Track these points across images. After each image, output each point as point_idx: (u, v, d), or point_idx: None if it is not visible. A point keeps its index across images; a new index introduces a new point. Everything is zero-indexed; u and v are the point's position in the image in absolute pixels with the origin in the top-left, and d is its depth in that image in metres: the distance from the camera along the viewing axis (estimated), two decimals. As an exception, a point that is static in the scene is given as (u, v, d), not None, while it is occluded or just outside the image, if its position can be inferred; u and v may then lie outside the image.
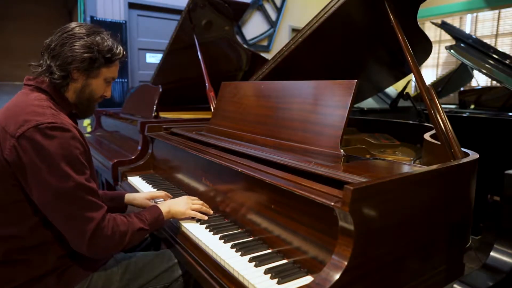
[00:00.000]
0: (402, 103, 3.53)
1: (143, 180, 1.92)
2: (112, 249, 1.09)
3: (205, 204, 1.39)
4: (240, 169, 1.24)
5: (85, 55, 1.11)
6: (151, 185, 1.82)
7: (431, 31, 6.79)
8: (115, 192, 1.55)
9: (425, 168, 1.07)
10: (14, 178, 1.01)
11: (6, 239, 1.04)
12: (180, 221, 1.34)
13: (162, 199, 1.53)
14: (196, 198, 1.42)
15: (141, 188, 1.78)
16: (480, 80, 5.80)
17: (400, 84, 2.84)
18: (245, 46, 3.11)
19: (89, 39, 1.12)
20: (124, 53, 1.24)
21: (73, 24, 1.15)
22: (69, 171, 0.99)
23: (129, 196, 1.50)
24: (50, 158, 0.97)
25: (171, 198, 1.52)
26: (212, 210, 1.45)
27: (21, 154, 0.97)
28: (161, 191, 1.57)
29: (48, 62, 1.12)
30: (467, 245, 1.20)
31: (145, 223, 1.17)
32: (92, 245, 1.02)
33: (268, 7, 5.89)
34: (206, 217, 1.34)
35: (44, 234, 1.06)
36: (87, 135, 3.55)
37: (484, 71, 2.96)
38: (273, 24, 5.95)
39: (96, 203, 1.05)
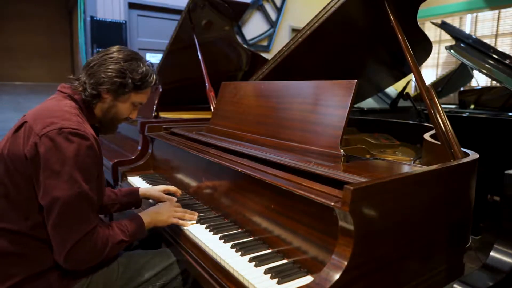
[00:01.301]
0: (402, 103, 3.53)
1: (143, 180, 1.92)
2: (88, 263, 1.09)
3: (188, 211, 1.37)
4: (240, 169, 1.24)
5: (116, 79, 1.17)
6: (151, 185, 1.82)
7: (431, 31, 6.79)
8: (129, 188, 1.60)
9: (425, 168, 1.07)
10: (29, 175, 1.04)
11: (11, 234, 1.06)
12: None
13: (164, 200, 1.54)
14: (179, 204, 1.40)
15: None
16: (480, 80, 5.80)
17: (400, 84, 2.84)
18: (245, 46, 3.11)
19: (124, 65, 1.19)
20: (156, 82, 1.29)
21: (114, 48, 1.23)
22: (78, 177, 1.02)
23: (143, 190, 1.57)
24: (64, 160, 1.01)
25: (181, 194, 1.60)
26: (212, 210, 1.45)
27: (40, 150, 1.02)
28: (172, 186, 1.61)
29: (84, 78, 1.19)
30: (467, 245, 1.20)
31: (125, 234, 1.17)
32: (70, 257, 1.03)
33: (268, 7, 5.89)
34: (188, 224, 1.31)
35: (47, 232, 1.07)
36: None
37: (484, 71, 2.96)
38: (273, 24, 5.95)
39: (90, 216, 1.06)
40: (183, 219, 1.33)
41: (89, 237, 1.05)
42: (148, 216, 1.29)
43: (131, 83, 1.20)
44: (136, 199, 1.54)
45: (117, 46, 1.25)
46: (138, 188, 1.57)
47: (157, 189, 1.56)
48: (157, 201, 1.53)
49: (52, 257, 1.08)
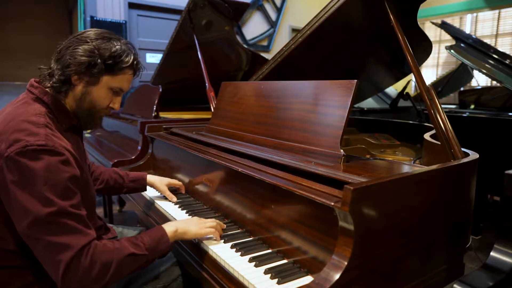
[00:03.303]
0: (402, 103, 3.53)
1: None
2: (91, 283, 0.92)
3: (218, 221, 1.23)
4: (240, 169, 1.24)
5: (83, 58, 1.03)
6: (153, 189, 1.82)
7: (431, 31, 6.79)
8: (136, 173, 1.61)
9: (425, 168, 1.07)
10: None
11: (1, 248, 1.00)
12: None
13: (169, 197, 1.59)
14: (208, 220, 1.23)
15: (141, 188, 1.78)
16: (480, 80, 5.80)
17: (400, 84, 2.84)
18: (245, 46, 3.11)
19: (94, 43, 1.04)
20: (136, 63, 1.12)
21: (89, 30, 1.10)
22: (50, 196, 0.90)
23: (150, 179, 1.58)
24: (32, 181, 0.90)
25: (182, 194, 1.62)
26: (212, 210, 1.45)
27: (6, 174, 0.91)
28: (177, 181, 1.66)
29: (52, 64, 1.07)
30: (467, 245, 1.20)
31: (140, 247, 1.01)
32: (67, 278, 0.89)
33: (268, 7, 5.89)
34: (219, 239, 1.19)
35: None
36: (87, 135, 3.55)
37: (484, 71, 2.97)
38: (273, 24, 5.95)
39: (79, 231, 0.93)
40: (215, 230, 1.18)
41: (84, 253, 0.91)
42: (173, 226, 1.12)
43: (101, 62, 1.04)
44: (142, 185, 1.58)
45: (90, 29, 1.10)
46: (146, 175, 1.60)
47: (163, 182, 1.60)
48: (161, 193, 1.59)
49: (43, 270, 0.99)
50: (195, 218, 1.23)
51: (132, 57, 1.11)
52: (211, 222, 1.20)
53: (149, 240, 1.04)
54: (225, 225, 1.26)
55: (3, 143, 0.93)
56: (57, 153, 0.94)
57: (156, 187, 1.60)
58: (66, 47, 1.05)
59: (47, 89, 1.07)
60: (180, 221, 1.18)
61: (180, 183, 1.65)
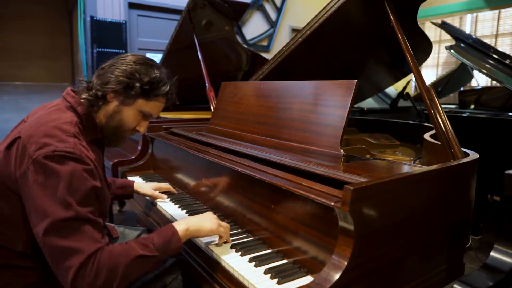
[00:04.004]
0: (402, 103, 3.53)
1: (143, 180, 1.91)
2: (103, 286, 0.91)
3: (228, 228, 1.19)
4: (240, 169, 1.24)
5: (122, 79, 1.08)
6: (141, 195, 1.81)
7: (431, 31, 6.79)
8: (123, 180, 1.64)
9: (425, 168, 1.07)
10: (22, 196, 0.97)
11: (5, 247, 1.01)
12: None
13: (163, 198, 1.60)
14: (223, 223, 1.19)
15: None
16: (480, 80, 5.80)
17: (400, 84, 2.84)
18: (245, 46, 3.11)
19: (135, 67, 1.10)
20: (170, 93, 1.19)
21: (134, 54, 1.16)
22: (71, 200, 0.91)
23: (137, 185, 1.60)
24: (56, 184, 0.92)
25: (182, 194, 1.64)
26: (212, 210, 1.45)
27: (30, 175, 0.93)
28: (165, 183, 1.67)
29: (93, 80, 1.13)
30: (467, 245, 1.20)
31: (149, 249, 0.99)
32: (76, 284, 0.89)
33: (268, 7, 5.89)
34: (230, 240, 1.17)
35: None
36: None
37: (484, 71, 2.97)
38: (273, 24, 5.95)
39: (93, 237, 0.92)
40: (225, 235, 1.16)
41: (92, 259, 0.90)
42: (185, 224, 1.08)
43: (139, 86, 1.09)
44: (129, 193, 1.59)
45: (136, 54, 1.17)
46: (133, 182, 1.62)
47: (150, 186, 1.61)
48: (152, 198, 1.61)
49: (47, 267, 0.99)
50: (209, 213, 1.16)
51: (168, 87, 1.17)
52: (226, 224, 1.17)
53: (159, 241, 1.01)
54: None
55: (33, 145, 0.95)
56: (83, 162, 0.97)
57: (144, 193, 1.59)
58: (109, 66, 1.12)
59: (82, 100, 1.11)
60: (191, 219, 1.13)
61: (167, 185, 1.64)
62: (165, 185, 1.64)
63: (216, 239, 1.16)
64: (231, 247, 1.13)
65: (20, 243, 1.00)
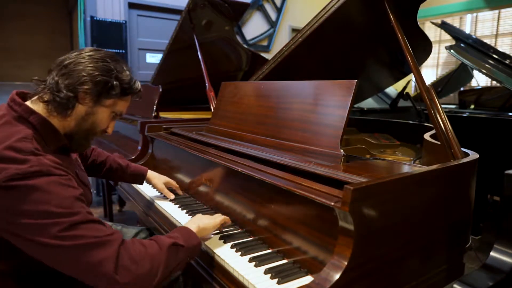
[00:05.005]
0: (402, 103, 3.53)
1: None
2: (147, 278, 0.87)
3: (226, 217, 1.25)
4: (240, 169, 1.24)
5: (100, 78, 0.98)
6: (150, 185, 1.82)
7: (431, 31, 6.79)
8: (136, 167, 1.64)
9: (425, 168, 1.07)
10: None
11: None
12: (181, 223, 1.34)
13: (165, 196, 1.62)
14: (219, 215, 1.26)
15: (141, 188, 1.78)
16: (480, 80, 5.80)
17: (400, 84, 2.84)
18: (245, 46, 3.11)
19: (111, 63, 1.01)
20: (140, 91, 1.11)
21: (89, 48, 1.04)
22: (66, 210, 0.84)
23: (150, 175, 1.63)
24: (41, 198, 0.82)
25: (181, 194, 1.66)
26: (212, 210, 1.45)
27: (2, 203, 0.82)
28: (174, 182, 1.67)
29: (56, 78, 0.96)
30: (467, 245, 1.20)
31: (178, 239, 0.98)
32: (121, 272, 0.84)
33: (268, 7, 5.89)
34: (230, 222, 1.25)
35: (38, 264, 0.89)
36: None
37: (484, 71, 2.97)
38: (273, 24, 5.95)
39: (108, 229, 0.89)
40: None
41: (127, 247, 0.87)
42: (194, 223, 1.12)
43: (119, 85, 1.01)
44: (140, 180, 1.64)
45: (90, 47, 1.05)
46: (146, 170, 1.64)
47: (161, 180, 1.63)
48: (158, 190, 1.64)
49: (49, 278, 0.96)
50: (200, 215, 1.21)
51: (138, 84, 1.10)
52: (219, 214, 1.25)
53: (180, 235, 1.01)
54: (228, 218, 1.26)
55: None
56: (54, 174, 0.87)
57: (154, 184, 1.63)
58: (75, 63, 0.98)
59: (43, 103, 0.97)
60: (194, 220, 1.16)
61: (177, 185, 1.66)
62: (175, 183, 1.65)
63: (212, 235, 1.21)
64: (231, 247, 1.13)
65: (11, 264, 0.93)
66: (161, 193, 1.64)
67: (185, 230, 1.07)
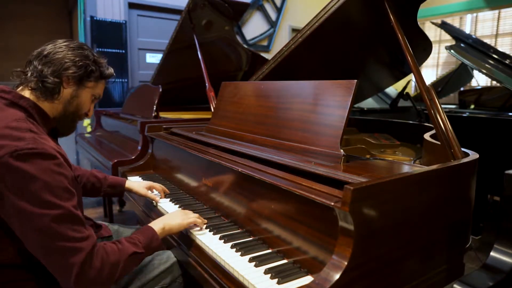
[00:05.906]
0: (402, 103, 3.53)
1: (143, 180, 1.91)
2: (103, 283, 0.95)
3: (199, 216, 1.29)
4: (240, 169, 1.24)
5: (81, 63, 1.07)
6: (134, 194, 1.81)
7: (431, 31, 6.79)
8: (115, 178, 1.61)
9: (425, 168, 1.07)
10: None
11: None
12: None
13: (158, 195, 1.62)
14: (190, 211, 1.32)
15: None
16: (480, 80, 5.80)
17: (400, 84, 2.84)
18: (245, 46, 3.11)
19: (86, 51, 1.10)
20: (114, 75, 1.22)
21: (60, 40, 1.11)
22: (53, 199, 0.88)
23: (129, 184, 1.58)
24: (31, 186, 0.87)
25: (167, 193, 1.63)
26: (212, 210, 1.45)
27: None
28: (159, 184, 1.66)
29: (39, 67, 1.04)
30: (467, 245, 1.20)
31: (138, 246, 1.06)
32: (80, 281, 0.89)
33: (268, 7, 5.89)
34: (204, 226, 1.28)
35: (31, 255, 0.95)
36: (87, 135, 3.55)
37: (484, 71, 2.97)
38: (273, 24, 5.95)
39: (84, 232, 0.93)
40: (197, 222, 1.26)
41: (95, 254, 0.92)
42: (161, 223, 1.19)
43: (98, 69, 1.12)
44: (120, 191, 1.59)
45: (63, 39, 1.12)
46: (125, 180, 1.60)
47: (142, 185, 1.59)
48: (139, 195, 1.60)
49: (43, 272, 0.98)
50: (179, 210, 1.30)
51: (111, 69, 1.19)
52: (194, 214, 1.28)
53: (144, 239, 1.09)
54: (206, 221, 1.31)
55: None
56: (49, 156, 0.91)
57: (136, 192, 1.58)
58: (54, 52, 1.06)
59: (30, 90, 1.05)
60: (165, 217, 1.23)
61: (160, 186, 1.63)
62: (158, 186, 1.63)
63: (207, 232, 1.23)
64: (231, 247, 1.13)
65: (8, 255, 0.96)
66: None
67: (149, 232, 1.13)
